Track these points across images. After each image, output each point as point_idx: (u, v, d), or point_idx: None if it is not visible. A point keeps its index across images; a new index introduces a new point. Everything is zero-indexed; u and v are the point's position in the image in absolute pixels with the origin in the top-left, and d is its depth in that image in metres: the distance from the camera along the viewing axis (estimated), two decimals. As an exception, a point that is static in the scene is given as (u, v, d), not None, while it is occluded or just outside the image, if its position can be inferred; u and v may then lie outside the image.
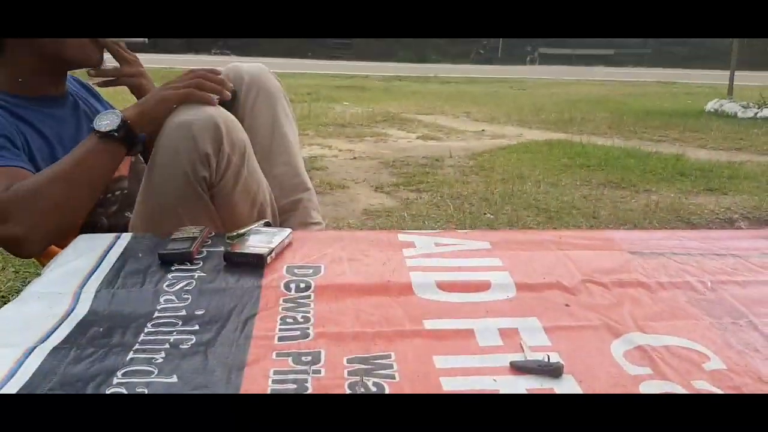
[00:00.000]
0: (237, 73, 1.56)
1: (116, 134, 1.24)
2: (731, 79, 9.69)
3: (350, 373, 0.81)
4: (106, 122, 1.25)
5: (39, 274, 1.10)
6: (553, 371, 0.83)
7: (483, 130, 6.52)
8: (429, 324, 0.94)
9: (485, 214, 3.19)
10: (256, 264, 1.10)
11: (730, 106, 8.26)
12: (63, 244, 1.23)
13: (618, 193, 3.70)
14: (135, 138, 1.28)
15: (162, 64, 14.89)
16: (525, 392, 0.79)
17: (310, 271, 1.10)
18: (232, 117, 1.30)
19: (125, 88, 1.59)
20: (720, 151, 5.41)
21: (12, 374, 0.78)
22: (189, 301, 0.99)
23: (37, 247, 1.21)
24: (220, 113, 1.26)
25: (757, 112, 7.95)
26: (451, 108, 8.56)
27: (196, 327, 0.92)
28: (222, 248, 1.15)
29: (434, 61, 28.58)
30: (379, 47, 32.63)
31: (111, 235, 1.23)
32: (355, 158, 4.80)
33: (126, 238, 1.21)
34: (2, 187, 1.17)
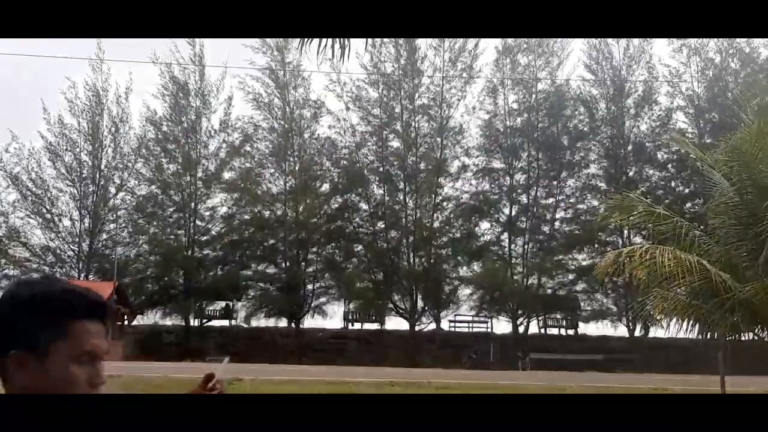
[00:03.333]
0: None
1: None
2: (722, 385, 9.77)
3: None
4: None
5: None
6: None
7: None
8: None
9: None
10: None
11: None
12: None
13: None
14: None
15: (157, 372, 14.96)
16: None
17: None
18: None
19: None
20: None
21: None
22: None
23: None
24: None
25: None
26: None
27: None
28: None
29: (427, 365, 28.76)
30: (373, 351, 33.04)
31: None
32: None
33: None
34: None
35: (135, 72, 37.79)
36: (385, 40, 36.27)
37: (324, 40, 4.28)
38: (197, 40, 36.57)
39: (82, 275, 35.08)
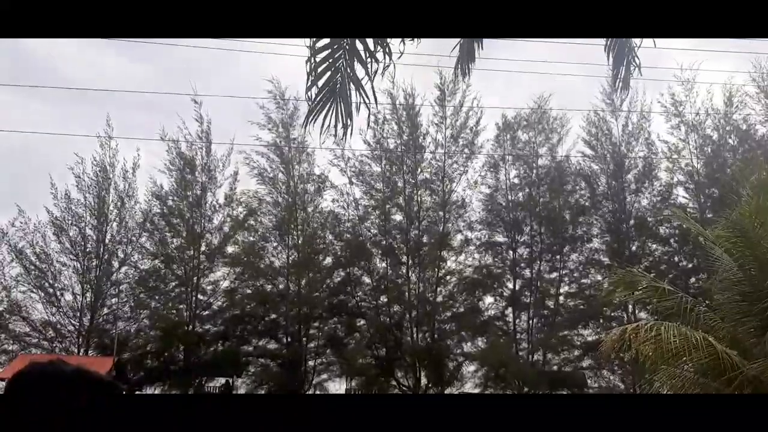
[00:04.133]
0: None
1: None
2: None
3: None
4: None
5: None
6: None
7: None
8: None
9: None
10: None
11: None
12: None
13: None
14: None
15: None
16: None
17: None
18: None
19: None
20: None
21: None
22: None
23: None
24: None
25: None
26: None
27: None
28: None
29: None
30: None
31: None
32: None
33: None
34: None
35: (143, 147, 38.49)
36: (388, 117, 37.15)
37: (328, 118, 4.40)
38: (205, 117, 37.44)
39: (82, 350, 34.63)
